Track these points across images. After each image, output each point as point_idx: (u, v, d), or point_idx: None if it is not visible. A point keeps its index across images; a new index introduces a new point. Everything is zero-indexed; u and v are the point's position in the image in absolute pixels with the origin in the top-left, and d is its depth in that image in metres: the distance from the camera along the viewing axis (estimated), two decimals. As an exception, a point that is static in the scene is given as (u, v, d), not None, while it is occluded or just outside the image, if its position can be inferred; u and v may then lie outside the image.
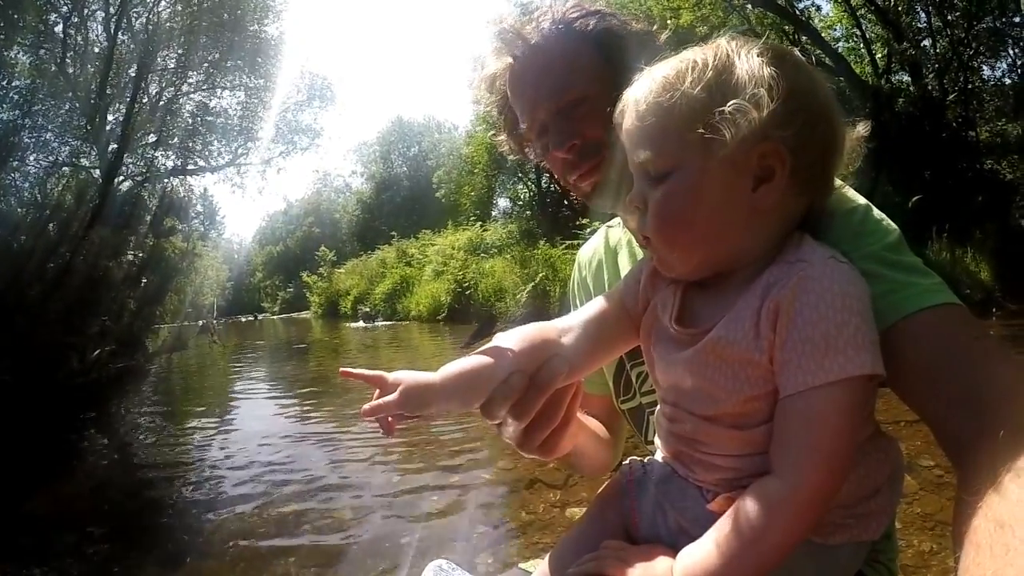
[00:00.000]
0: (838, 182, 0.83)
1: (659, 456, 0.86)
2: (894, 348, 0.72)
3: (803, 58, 0.78)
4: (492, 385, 0.73)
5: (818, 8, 18.50)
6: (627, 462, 0.90)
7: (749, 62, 0.71)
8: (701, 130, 0.69)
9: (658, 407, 0.85)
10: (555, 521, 3.09)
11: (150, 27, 16.94)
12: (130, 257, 9.70)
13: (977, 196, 12.28)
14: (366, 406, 0.75)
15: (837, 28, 18.66)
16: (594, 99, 1.01)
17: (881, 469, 0.76)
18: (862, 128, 0.79)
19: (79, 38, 16.60)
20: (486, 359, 0.74)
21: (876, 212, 0.86)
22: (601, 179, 1.06)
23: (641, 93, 0.75)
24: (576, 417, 0.88)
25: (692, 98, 0.70)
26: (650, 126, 0.73)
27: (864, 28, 16.77)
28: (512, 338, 0.77)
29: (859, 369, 0.63)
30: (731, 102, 0.68)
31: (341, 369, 0.81)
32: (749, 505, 0.65)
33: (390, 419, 0.76)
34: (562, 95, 1.05)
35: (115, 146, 15.56)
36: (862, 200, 0.88)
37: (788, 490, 0.64)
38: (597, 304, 0.88)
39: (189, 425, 6.43)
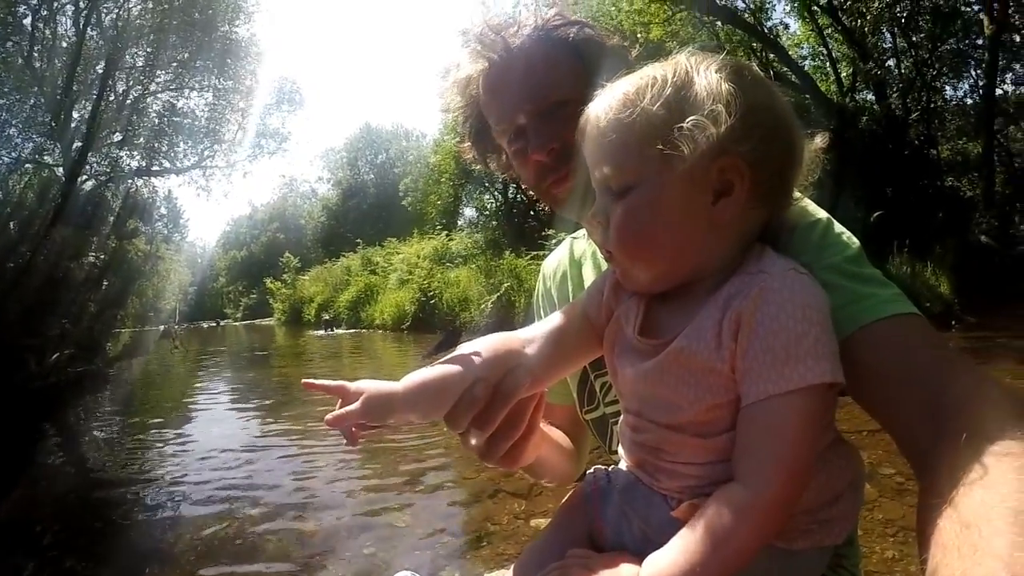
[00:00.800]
0: (799, 195, 0.85)
1: (623, 465, 0.87)
2: (854, 357, 0.73)
3: (761, 73, 0.79)
4: (455, 395, 0.73)
5: (786, 26, 18.96)
6: (591, 471, 0.90)
7: (707, 78, 0.72)
8: (660, 146, 0.70)
9: (621, 417, 0.85)
10: (519, 531, 3.07)
11: (120, 23, 16.71)
12: (91, 258, 9.46)
13: (938, 212, 12.66)
14: (329, 416, 0.75)
15: (804, 47, 19.10)
16: (575, 104, 0.98)
17: (842, 475, 0.77)
18: (820, 140, 0.80)
19: (47, 32, 16.35)
20: (449, 369, 0.74)
21: (837, 226, 0.88)
22: (574, 185, 1.06)
23: (601, 109, 0.76)
24: (539, 427, 0.88)
25: (651, 115, 0.71)
26: (610, 142, 0.74)
27: (830, 47, 17.17)
28: (476, 348, 0.77)
29: (819, 377, 0.64)
30: (690, 118, 0.69)
31: (303, 380, 0.80)
32: (713, 512, 0.66)
33: (353, 429, 0.76)
34: (544, 97, 1.05)
35: (80, 144, 15.30)
36: (823, 214, 0.90)
37: (751, 496, 0.64)
38: (561, 315, 0.88)
39: (149, 433, 6.26)
